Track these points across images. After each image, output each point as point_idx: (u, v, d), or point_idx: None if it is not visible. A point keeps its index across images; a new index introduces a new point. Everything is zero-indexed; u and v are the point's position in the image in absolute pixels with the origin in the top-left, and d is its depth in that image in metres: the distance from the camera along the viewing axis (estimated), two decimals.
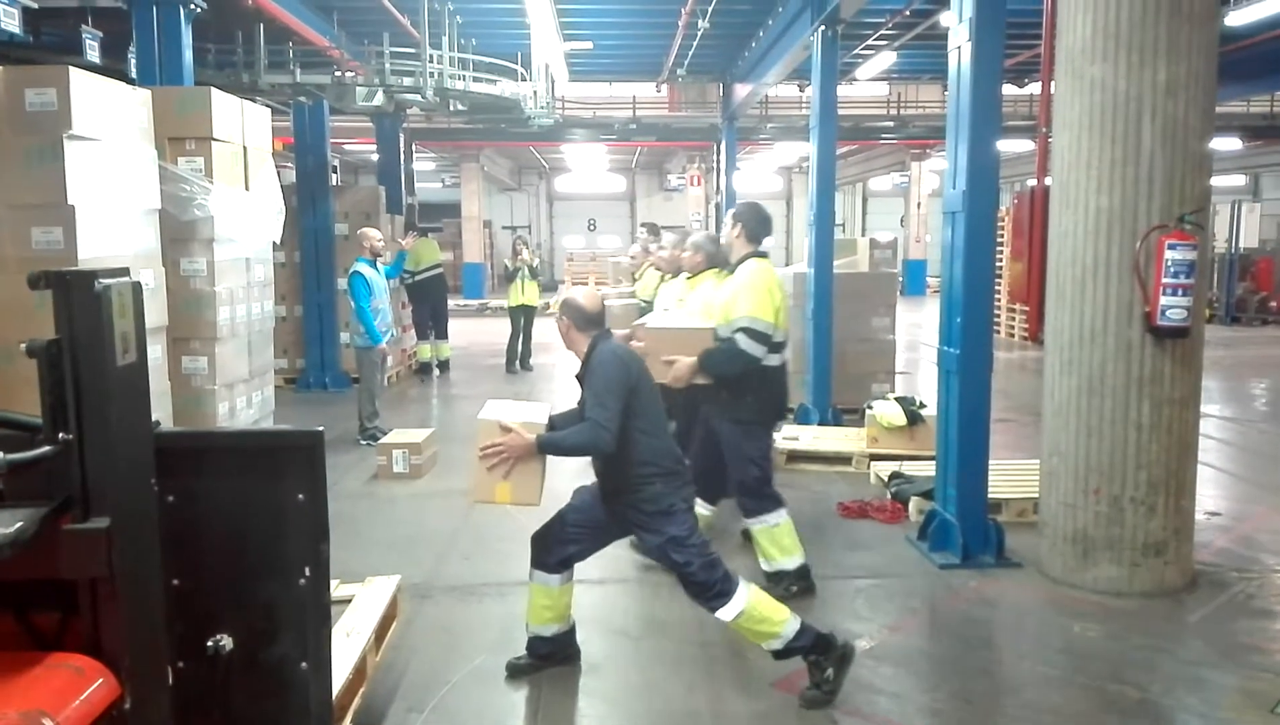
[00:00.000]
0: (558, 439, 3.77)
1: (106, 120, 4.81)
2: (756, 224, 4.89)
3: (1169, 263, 4.56)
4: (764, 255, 4.90)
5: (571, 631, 4.13)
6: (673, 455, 3.90)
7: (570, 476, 4.95)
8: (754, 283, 4.70)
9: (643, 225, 10.99)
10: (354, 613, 4.00)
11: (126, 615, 1.85)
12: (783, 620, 3.74)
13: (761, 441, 4.87)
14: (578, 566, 5.28)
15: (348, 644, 3.67)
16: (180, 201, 5.70)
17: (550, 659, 4.06)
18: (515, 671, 4.04)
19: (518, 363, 12.84)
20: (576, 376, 3.91)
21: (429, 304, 12.52)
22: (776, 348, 4.74)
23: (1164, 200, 4.64)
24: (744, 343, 4.58)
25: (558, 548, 3.95)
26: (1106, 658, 4.16)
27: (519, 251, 12.76)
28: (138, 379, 1.91)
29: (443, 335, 12.70)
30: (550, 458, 3.81)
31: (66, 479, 1.80)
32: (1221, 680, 3.98)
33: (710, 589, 3.74)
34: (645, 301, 8.05)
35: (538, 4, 10.41)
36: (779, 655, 3.77)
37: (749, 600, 3.73)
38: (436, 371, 12.59)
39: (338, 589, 4.29)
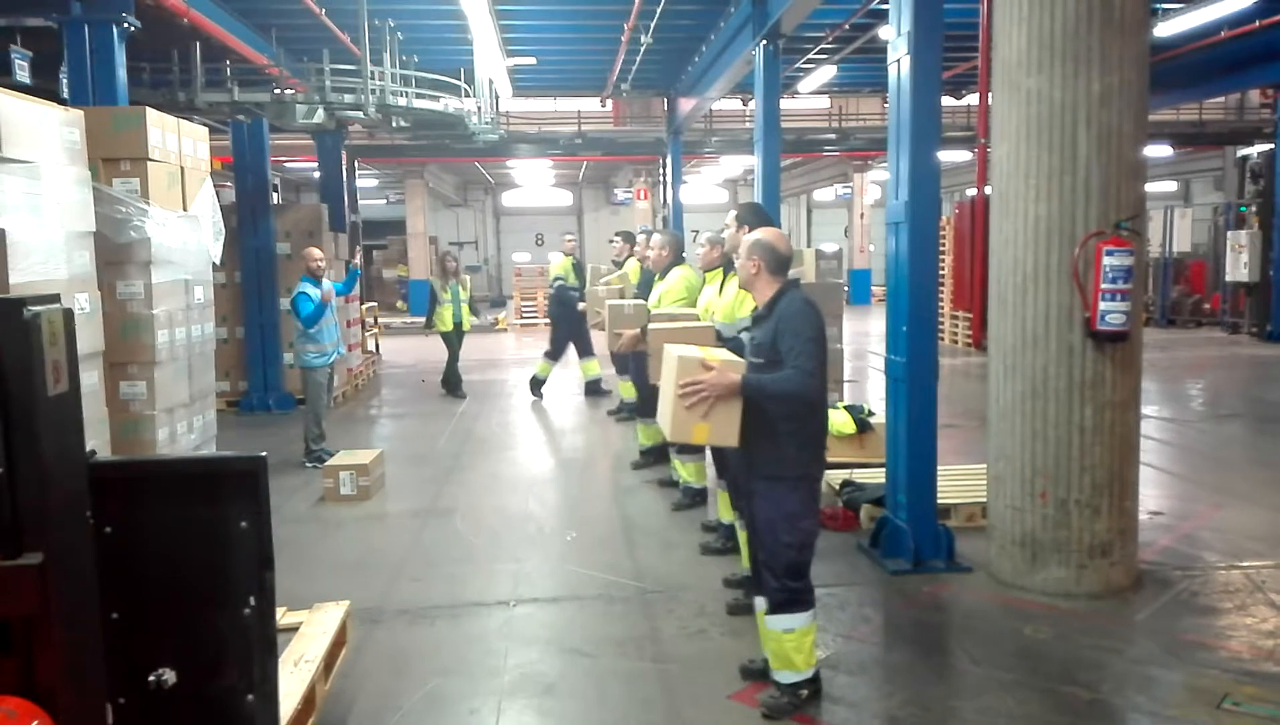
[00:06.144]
0: (765, 382, 3.51)
1: (37, 142, 4.68)
2: (749, 215, 4.85)
3: (1107, 268, 4.65)
4: None
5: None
6: (823, 425, 3.75)
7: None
8: None
9: (616, 233, 11.22)
10: (302, 640, 3.92)
11: (61, 654, 1.79)
12: (814, 662, 3.79)
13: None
14: (529, 585, 5.29)
15: (296, 673, 3.60)
16: (116, 223, 5.57)
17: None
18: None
19: (460, 387, 12.19)
20: (754, 318, 3.80)
21: None
22: None
23: (1101, 207, 4.73)
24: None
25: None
26: (1058, 659, 4.21)
27: (452, 270, 11.90)
28: (70, 409, 1.86)
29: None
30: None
31: None
32: (1169, 678, 4.05)
33: (787, 590, 3.67)
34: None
35: (480, 20, 10.38)
36: (782, 687, 3.78)
37: (811, 625, 3.75)
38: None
39: (285, 617, 4.20)
